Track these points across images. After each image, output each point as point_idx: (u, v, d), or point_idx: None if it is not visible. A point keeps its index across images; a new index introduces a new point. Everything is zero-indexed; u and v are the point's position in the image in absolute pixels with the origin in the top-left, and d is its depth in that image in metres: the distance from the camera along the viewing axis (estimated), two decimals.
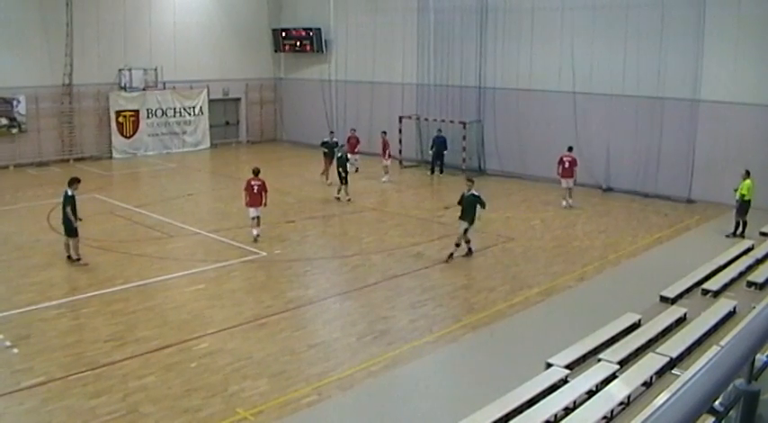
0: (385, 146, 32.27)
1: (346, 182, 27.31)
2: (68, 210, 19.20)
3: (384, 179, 31.69)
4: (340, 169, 27.14)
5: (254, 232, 21.90)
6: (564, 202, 27.15)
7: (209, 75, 40.01)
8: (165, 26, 38.04)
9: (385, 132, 33.19)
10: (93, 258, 19.92)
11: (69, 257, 19.52)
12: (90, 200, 26.93)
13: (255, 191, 21.82)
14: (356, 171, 32.13)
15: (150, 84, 37.60)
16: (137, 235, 22.55)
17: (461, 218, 20.35)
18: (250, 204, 21.90)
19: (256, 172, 22.20)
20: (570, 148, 27.52)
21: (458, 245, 20.34)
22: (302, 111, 42.80)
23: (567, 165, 26.99)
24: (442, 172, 33.39)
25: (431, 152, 33.58)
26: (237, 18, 41.31)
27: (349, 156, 29.95)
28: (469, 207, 20.22)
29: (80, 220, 19.52)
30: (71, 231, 19.37)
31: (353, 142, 33.23)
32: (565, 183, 27.12)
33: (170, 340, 14.49)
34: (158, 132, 38.57)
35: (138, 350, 13.96)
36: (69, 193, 19.44)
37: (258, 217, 21.94)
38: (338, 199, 27.53)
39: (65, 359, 13.48)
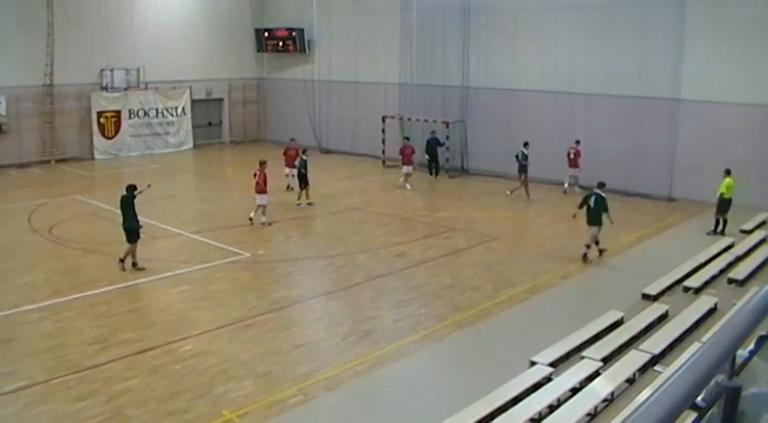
0: (406, 152, 30.64)
1: (306, 185, 26.70)
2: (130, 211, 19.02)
3: (408, 186, 30.38)
4: (302, 170, 26.50)
5: (251, 214, 23.95)
6: (566, 184, 29.12)
7: (192, 75, 39.85)
8: (147, 26, 37.87)
9: (408, 138, 32.39)
10: (76, 260, 19.87)
11: (134, 264, 19.09)
12: (72, 201, 26.91)
13: (256, 180, 23.66)
14: (290, 189, 28.75)
15: (132, 84, 37.43)
16: (120, 237, 22.35)
17: (590, 223, 20.16)
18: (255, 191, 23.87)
19: (261, 163, 23.98)
20: (577, 141, 29.03)
21: (588, 246, 20.23)
22: (286, 111, 42.71)
23: (571, 156, 28.90)
24: (437, 174, 33.22)
25: (426, 156, 33.23)
26: (220, 18, 41.19)
27: (287, 170, 28.75)
28: (599, 210, 19.99)
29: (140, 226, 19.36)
30: (134, 236, 19.04)
31: (292, 154, 28.77)
32: (570, 172, 29.17)
33: (154, 342, 14.45)
34: (141, 133, 38.38)
35: (122, 353, 13.92)
36: (125, 194, 19.20)
37: (261, 206, 23.74)
38: (310, 203, 26.75)
39: (48, 362, 13.42)
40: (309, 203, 26.70)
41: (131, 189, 19.26)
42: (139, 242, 19.19)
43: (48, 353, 13.85)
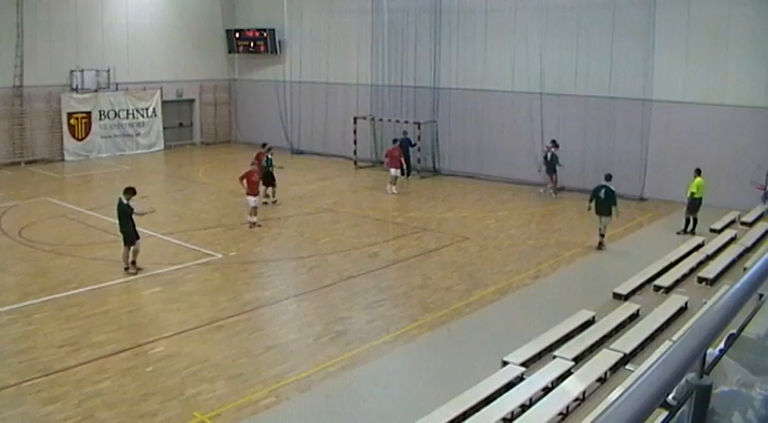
0: (394, 155, 29.82)
1: (273, 184, 27.11)
2: (134, 218, 18.81)
3: (394, 190, 29.42)
4: (269, 168, 26.81)
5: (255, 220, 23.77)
6: (542, 190, 29.25)
7: (163, 76, 39.58)
8: (117, 27, 37.57)
9: (396, 141, 31.33)
10: (46, 263, 19.69)
11: (133, 264, 18.99)
12: (42, 203, 26.65)
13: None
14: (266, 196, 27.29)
15: (103, 85, 37.11)
16: (90, 238, 22.30)
17: (600, 214, 21.57)
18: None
19: (252, 164, 24.14)
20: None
21: (602, 235, 21.77)
22: (257, 112, 42.60)
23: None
24: (408, 174, 33.18)
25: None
26: (191, 19, 40.95)
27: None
28: (608, 202, 21.39)
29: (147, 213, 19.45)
30: (130, 239, 18.87)
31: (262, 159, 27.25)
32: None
33: (125, 344, 14.36)
34: (111, 134, 38.07)
35: (92, 355, 13.81)
36: (124, 201, 18.84)
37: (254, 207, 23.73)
38: (265, 203, 26.73)
39: (18, 366, 13.29)
40: (274, 202, 27.03)
41: (129, 192, 19.01)
42: (115, 244, 19.07)
43: (17, 356, 13.72)
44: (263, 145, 28.68)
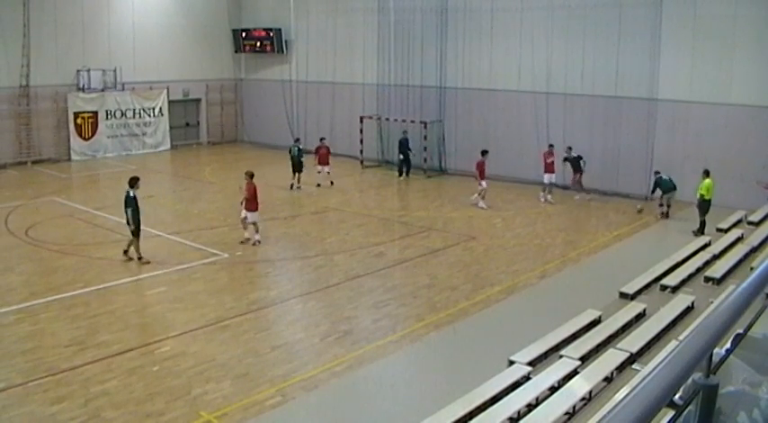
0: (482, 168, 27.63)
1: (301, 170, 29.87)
2: (129, 211, 19.41)
3: (482, 205, 27.10)
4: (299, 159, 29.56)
5: (246, 235, 21.83)
6: (541, 197, 28.17)
7: (169, 75, 39.65)
8: (123, 26, 37.62)
9: (485, 152, 28.14)
10: (52, 262, 19.72)
11: (140, 258, 19.70)
12: (49, 203, 26.70)
13: (245, 195, 21.44)
14: (320, 186, 30.12)
15: (109, 85, 37.14)
16: (97, 238, 22.33)
17: (665, 191, 25.12)
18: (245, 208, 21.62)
19: (249, 175, 21.70)
20: (551, 146, 28.48)
21: (664, 206, 25.38)
22: (263, 112, 42.63)
23: (548, 160, 28.14)
24: (408, 175, 33.27)
25: (400, 157, 33.33)
26: (197, 18, 40.98)
27: (318, 167, 30.34)
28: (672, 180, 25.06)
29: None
30: (135, 231, 19.61)
31: (324, 152, 30.40)
32: (550, 177, 28.16)
33: (132, 344, 14.38)
34: (118, 134, 38.14)
35: (99, 354, 13.82)
36: (132, 194, 19.60)
37: (252, 222, 21.69)
38: (299, 187, 29.57)
39: (24, 365, 13.31)
40: (299, 187, 29.36)
41: (133, 181, 19.96)
42: (116, 243, 19.12)
43: (24, 355, 13.74)
44: (322, 139, 31.67)
